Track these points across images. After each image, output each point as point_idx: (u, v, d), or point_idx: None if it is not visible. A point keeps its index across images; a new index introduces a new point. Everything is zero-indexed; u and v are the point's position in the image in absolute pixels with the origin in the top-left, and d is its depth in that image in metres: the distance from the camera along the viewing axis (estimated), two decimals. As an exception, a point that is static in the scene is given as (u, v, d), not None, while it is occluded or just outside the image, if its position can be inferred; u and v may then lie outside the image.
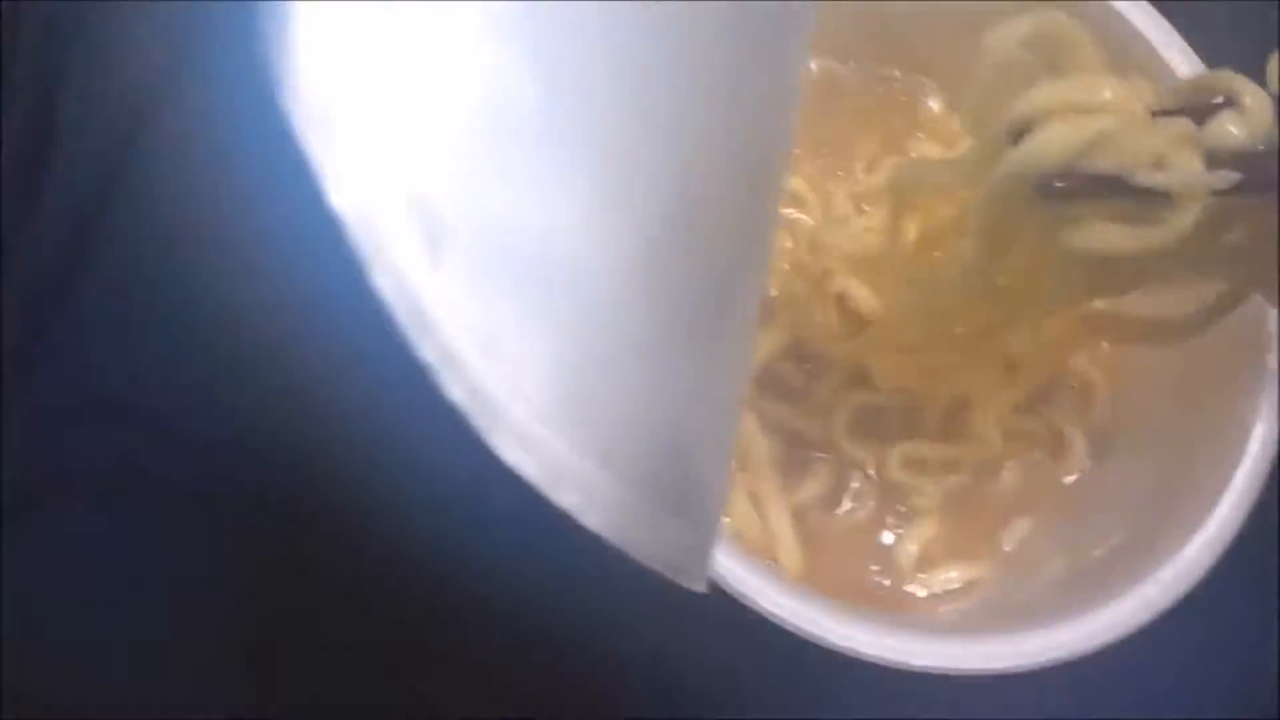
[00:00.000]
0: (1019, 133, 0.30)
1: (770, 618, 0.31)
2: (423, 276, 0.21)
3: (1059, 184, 0.30)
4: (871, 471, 0.39)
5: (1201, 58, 0.39)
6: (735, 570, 0.31)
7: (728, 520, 0.38)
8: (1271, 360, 0.35)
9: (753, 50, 0.28)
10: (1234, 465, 0.34)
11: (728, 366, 0.27)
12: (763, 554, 0.38)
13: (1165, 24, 0.40)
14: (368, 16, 0.21)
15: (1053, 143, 0.29)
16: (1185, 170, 0.28)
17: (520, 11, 0.23)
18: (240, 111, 0.22)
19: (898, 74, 0.45)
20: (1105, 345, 0.42)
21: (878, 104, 0.45)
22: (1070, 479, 0.40)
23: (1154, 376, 0.40)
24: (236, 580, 0.34)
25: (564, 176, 0.23)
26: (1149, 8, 0.40)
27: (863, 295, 0.38)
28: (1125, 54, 0.39)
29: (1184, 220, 0.28)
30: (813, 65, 0.44)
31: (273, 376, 0.29)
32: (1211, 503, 0.34)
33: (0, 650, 0.32)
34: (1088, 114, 0.29)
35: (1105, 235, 0.30)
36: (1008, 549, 0.40)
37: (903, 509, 0.40)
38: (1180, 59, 0.39)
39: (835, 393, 0.40)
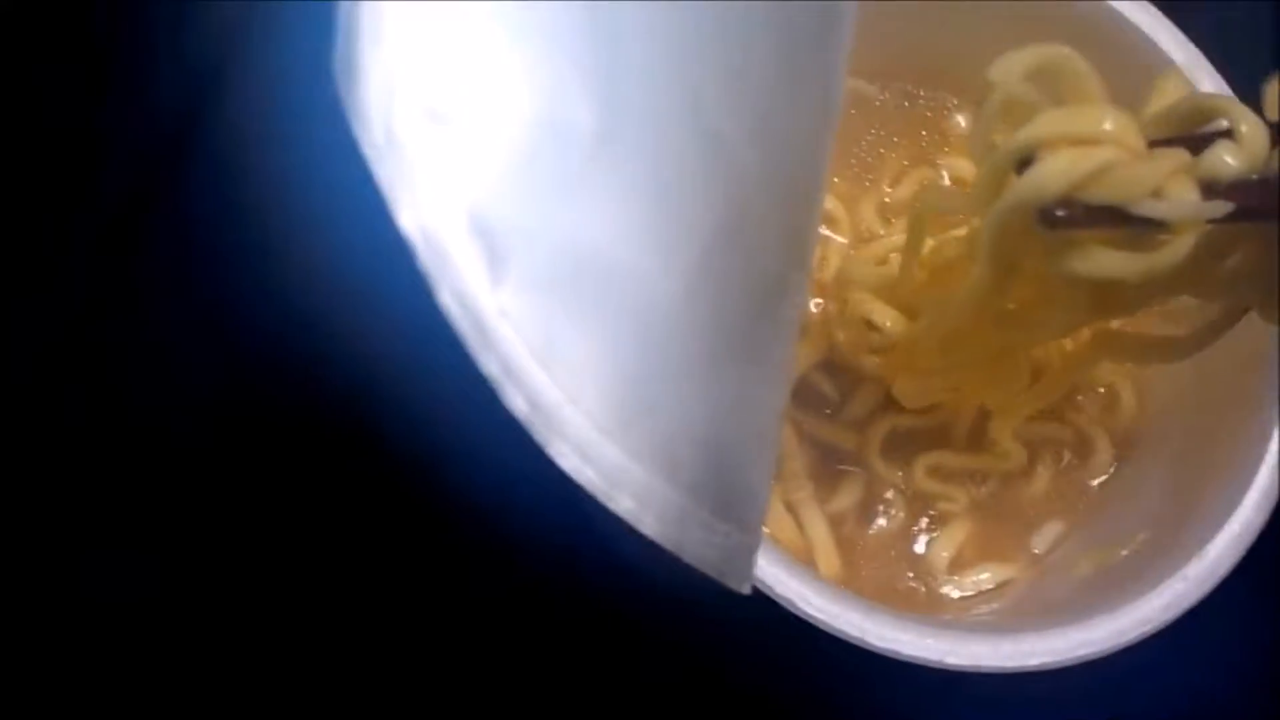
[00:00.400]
0: (1023, 162, 0.31)
1: (812, 621, 0.32)
2: (484, 293, 0.23)
3: (1060, 213, 0.30)
4: (902, 486, 0.40)
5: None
6: (777, 574, 0.32)
7: (766, 529, 0.39)
8: (1292, 359, 0.36)
9: (797, 64, 0.28)
10: (1257, 462, 0.35)
11: (773, 375, 0.28)
12: (801, 560, 0.39)
13: (1169, 25, 0.41)
14: (432, 41, 0.23)
15: (1054, 174, 0.30)
16: (1181, 200, 0.29)
17: (574, 31, 0.24)
18: (305, 118, 0.23)
19: (924, 92, 0.46)
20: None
21: (905, 121, 0.46)
22: (1097, 481, 0.41)
23: (1176, 378, 0.41)
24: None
25: (620, 192, 0.24)
26: (1153, 9, 0.41)
27: (886, 318, 0.39)
28: (1131, 57, 0.40)
29: (1181, 248, 0.30)
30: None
31: (340, 383, 0.30)
32: (1236, 500, 0.34)
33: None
34: (1088, 145, 0.30)
35: (1105, 261, 0.31)
36: (1038, 551, 0.41)
37: (934, 515, 0.41)
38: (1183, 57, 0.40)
39: (868, 414, 0.41)
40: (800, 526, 0.39)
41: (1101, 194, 0.30)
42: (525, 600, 0.35)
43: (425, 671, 0.36)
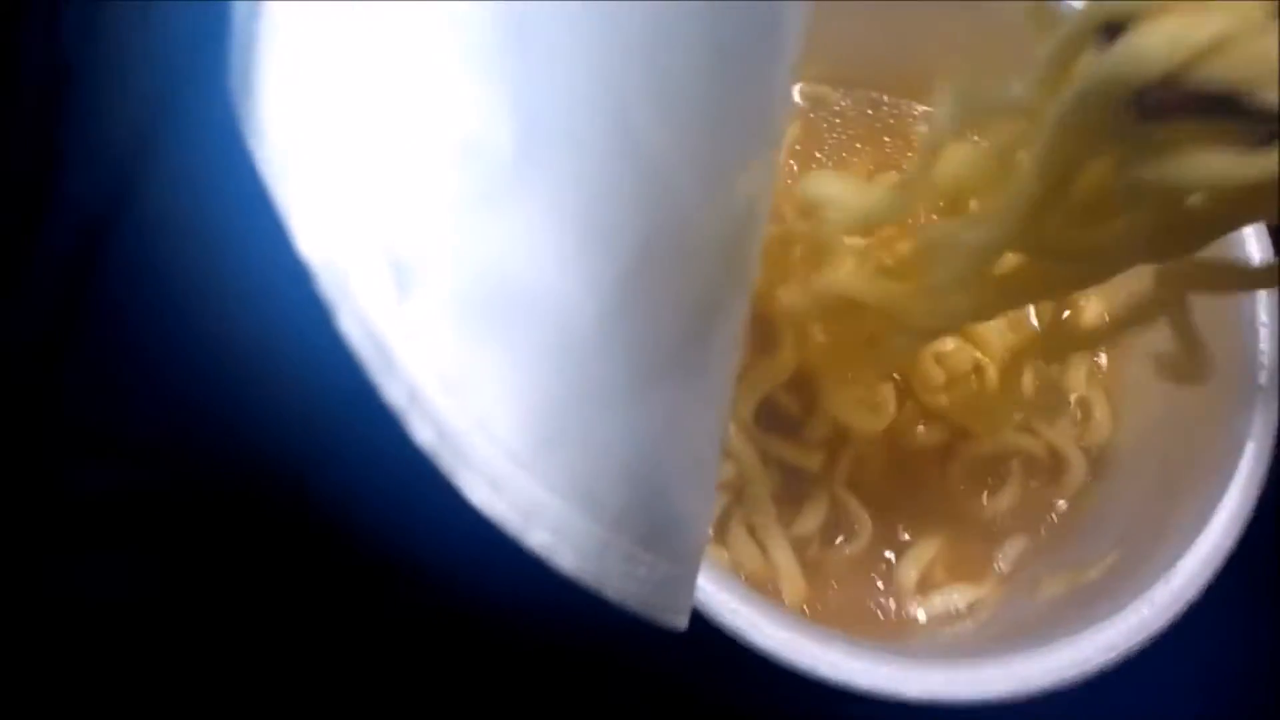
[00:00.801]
0: (1109, 31, 0.25)
1: (762, 652, 0.31)
2: (388, 317, 0.21)
3: (1158, 99, 0.24)
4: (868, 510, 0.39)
5: None
6: (729, 602, 0.31)
7: (728, 553, 0.38)
8: (1262, 379, 0.35)
9: (734, 80, 0.27)
10: (1226, 483, 0.34)
11: (708, 399, 0.27)
12: (765, 585, 0.38)
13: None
14: (336, 55, 0.21)
15: (1157, 45, 0.24)
16: None
17: (495, 47, 0.23)
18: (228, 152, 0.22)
19: (887, 99, 0.45)
20: (1102, 362, 0.41)
21: (869, 128, 0.45)
22: (1067, 499, 0.40)
23: (1150, 396, 0.40)
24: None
25: (539, 213, 0.23)
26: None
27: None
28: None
29: None
30: (803, 90, 0.45)
31: (258, 411, 0.30)
32: (1204, 522, 0.33)
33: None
34: (1199, 12, 0.24)
35: (1214, 165, 0.25)
36: (1004, 569, 0.40)
37: (902, 537, 0.40)
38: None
39: (833, 433, 0.40)
40: (764, 551, 0.38)
41: (1217, 74, 0.24)
42: (456, 637, 0.34)
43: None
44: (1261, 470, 0.34)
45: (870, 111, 0.45)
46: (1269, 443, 0.34)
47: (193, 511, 0.34)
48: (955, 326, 0.37)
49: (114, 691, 0.34)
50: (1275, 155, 0.24)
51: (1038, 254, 0.30)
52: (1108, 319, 0.41)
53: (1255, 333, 0.35)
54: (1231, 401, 0.35)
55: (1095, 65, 0.25)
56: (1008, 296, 0.33)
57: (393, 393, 0.22)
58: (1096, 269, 0.31)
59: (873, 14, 0.42)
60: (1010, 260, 0.31)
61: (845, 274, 0.35)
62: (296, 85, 0.21)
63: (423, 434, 0.22)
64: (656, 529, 0.25)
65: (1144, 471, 0.39)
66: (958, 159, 0.32)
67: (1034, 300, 0.34)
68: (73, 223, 0.34)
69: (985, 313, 0.34)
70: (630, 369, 0.25)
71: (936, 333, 0.37)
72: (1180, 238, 0.28)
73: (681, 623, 0.26)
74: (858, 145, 0.44)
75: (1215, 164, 0.25)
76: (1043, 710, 0.33)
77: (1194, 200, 0.27)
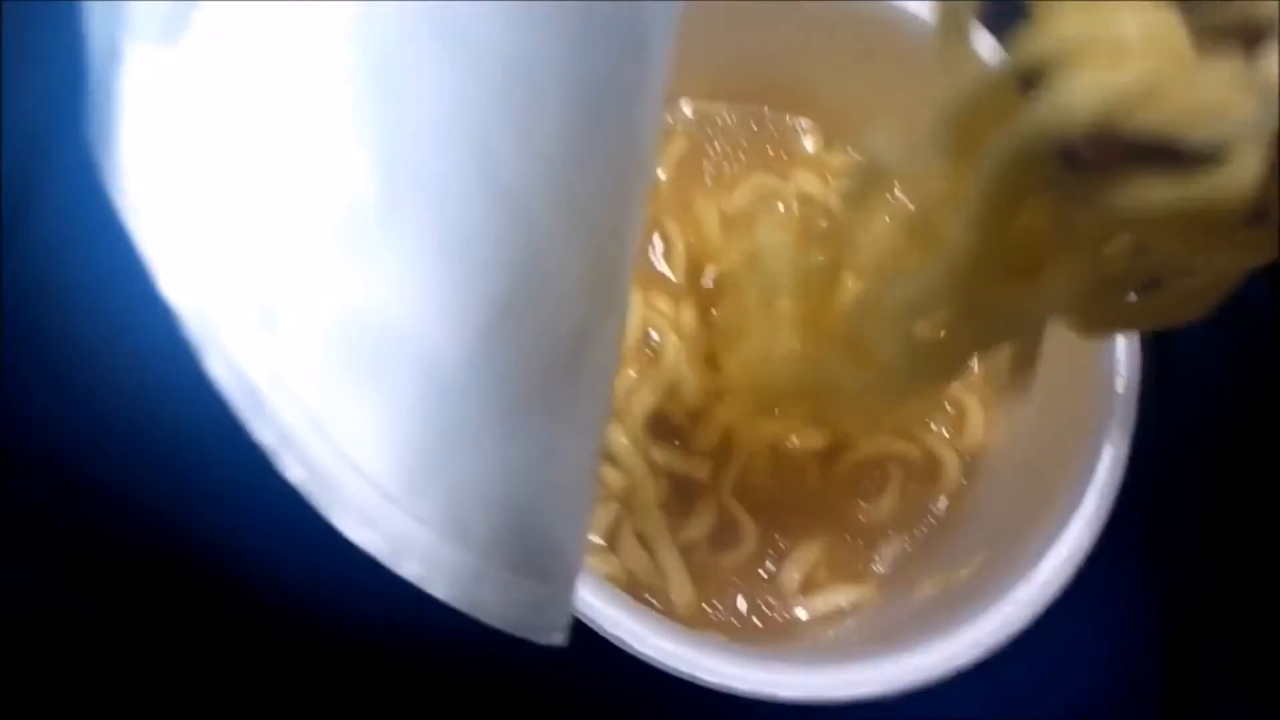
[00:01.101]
0: (1026, 83, 0.24)
1: (644, 659, 0.32)
2: (256, 362, 0.22)
3: (1086, 154, 0.23)
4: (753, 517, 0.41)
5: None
6: (607, 612, 0.32)
7: (618, 560, 0.39)
8: (1119, 385, 0.37)
9: (597, 108, 0.28)
10: (1085, 486, 0.35)
11: (580, 427, 0.28)
12: (654, 592, 0.39)
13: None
14: (193, 100, 0.22)
15: (1081, 99, 0.23)
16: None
17: (356, 93, 0.23)
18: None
19: (770, 113, 0.46)
20: (976, 368, 0.43)
21: (752, 141, 0.46)
22: (942, 502, 0.42)
23: (1022, 401, 0.41)
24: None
25: (404, 255, 0.24)
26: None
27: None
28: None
29: (1249, 164, 0.22)
30: (686, 106, 0.46)
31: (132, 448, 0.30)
32: (1065, 523, 0.35)
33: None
34: (1117, 53, 0.23)
35: (1155, 192, 0.23)
36: (883, 570, 0.41)
37: (784, 541, 0.41)
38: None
39: (718, 443, 0.41)
40: (653, 557, 0.39)
41: (1148, 123, 0.23)
42: (339, 665, 0.35)
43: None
44: (1118, 474, 0.35)
45: (754, 125, 0.46)
46: (1124, 448, 0.36)
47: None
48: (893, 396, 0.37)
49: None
50: (1213, 174, 0.22)
51: (968, 313, 0.30)
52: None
53: (1113, 341, 0.37)
54: (1092, 407, 0.37)
55: (1016, 125, 0.24)
56: (940, 358, 0.32)
57: (263, 434, 0.22)
58: (1025, 326, 0.31)
59: (751, 29, 0.43)
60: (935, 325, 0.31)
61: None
62: (154, 135, 0.21)
63: (294, 473, 0.23)
64: (529, 554, 0.26)
65: (1013, 474, 0.41)
66: (879, 227, 0.33)
67: (962, 360, 0.33)
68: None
69: (921, 378, 0.34)
70: (499, 404, 0.25)
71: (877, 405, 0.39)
72: (1114, 292, 0.28)
73: (559, 640, 0.27)
74: (741, 158, 0.45)
75: (1154, 191, 0.23)
76: (918, 707, 0.34)
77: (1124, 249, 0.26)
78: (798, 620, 0.40)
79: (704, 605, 0.40)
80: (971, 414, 0.42)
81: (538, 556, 0.26)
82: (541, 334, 0.27)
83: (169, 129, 0.21)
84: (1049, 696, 0.39)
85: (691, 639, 0.33)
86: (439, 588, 0.24)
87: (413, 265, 0.24)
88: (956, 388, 0.42)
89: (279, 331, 0.22)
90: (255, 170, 0.22)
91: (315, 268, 0.23)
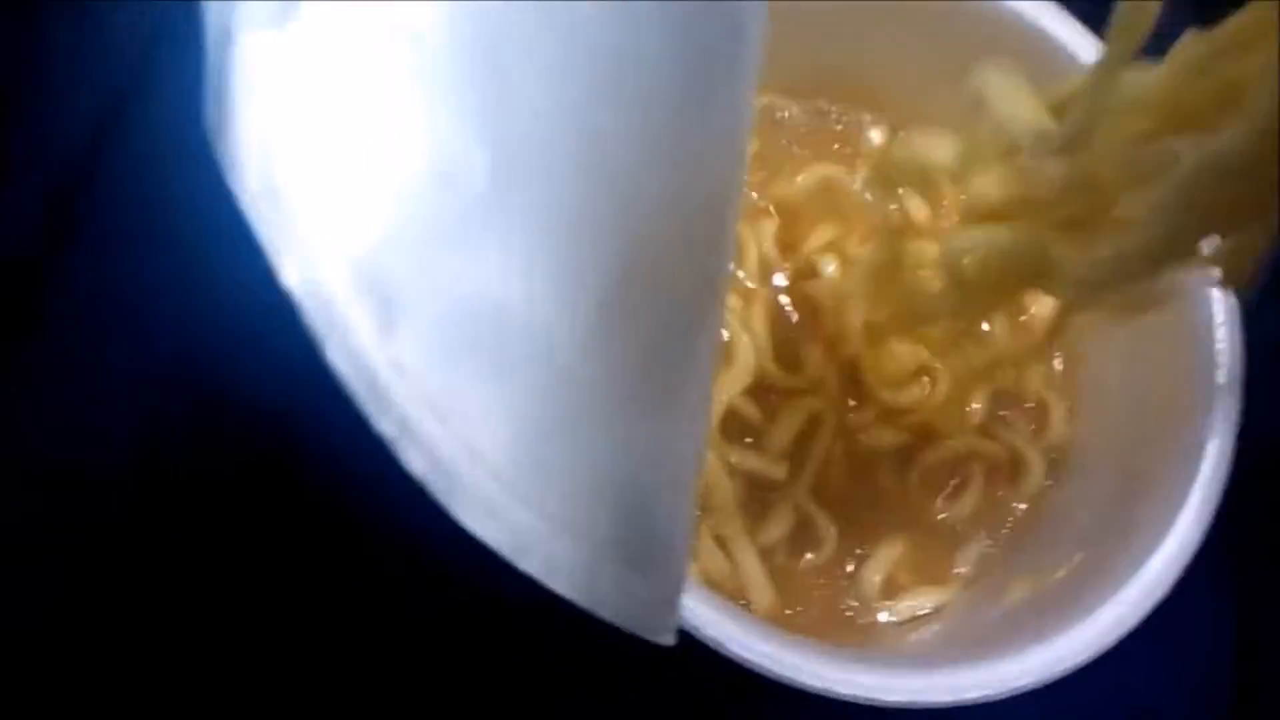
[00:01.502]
0: None
1: (742, 662, 0.31)
2: (375, 349, 0.21)
3: None
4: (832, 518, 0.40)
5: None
6: (706, 615, 0.31)
7: (696, 564, 0.38)
8: (1221, 377, 0.35)
9: (703, 91, 0.28)
10: (1190, 481, 0.34)
11: (687, 419, 0.28)
12: (733, 595, 0.38)
13: (1079, 27, 0.41)
14: (311, 85, 0.21)
15: None
16: None
17: (465, 74, 0.23)
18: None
19: (835, 109, 0.45)
20: (1058, 365, 0.42)
21: (817, 136, 0.45)
22: (1026, 501, 0.41)
23: (1107, 397, 0.40)
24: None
25: (516, 238, 0.23)
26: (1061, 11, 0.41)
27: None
28: (1044, 61, 0.39)
29: None
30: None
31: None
32: (1170, 520, 0.34)
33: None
34: None
35: None
36: (966, 572, 0.40)
37: (863, 544, 0.40)
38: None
39: (794, 440, 0.40)
40: (732, 561, 0.38)
41: None
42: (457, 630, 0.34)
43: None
44: (1224, 467, 0.34)
45: (819, 120, 0.45)
46: (1230, 441, 0.35)
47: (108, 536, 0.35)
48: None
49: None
50: None
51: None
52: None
53: (1211, 333, 0.36)
54: (1191, 401, 0.36)
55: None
56: None
57: (383, 423, 0.22)
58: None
59: (823, 24, 0.42)
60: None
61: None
62: (273, 117, 0.21)
63: (415, 462, 0.22)
64: (643, 549, 0.25)
65: (1103, 472, 0.39)
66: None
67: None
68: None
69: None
70: (613, 391, 0.25)
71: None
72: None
73: (669, 639, 0.26)
74: (806, 152, 0.44)
75: None
76: (1010, 711, 0.33)
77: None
78: (878, 624, 0.39)
79: (784, 610, 0.39)
80: (1054, 412, 0.41)
81: (650, 552, 0.26)
82: (652, 317, 0.26)
83: (284, 115, 0.21)
84: (1155, 699, 0.37)
85: (790, 642, 0.32)
86: (559, 583, 0.23)
87: (523, 249, 0.23)
88: (1038, 385, 0.41)
89: (398, 320, 0.22)
90: (369, 156, 0.22)
91: (430, 254, 0.22)
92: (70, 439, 0.36)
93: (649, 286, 0.26)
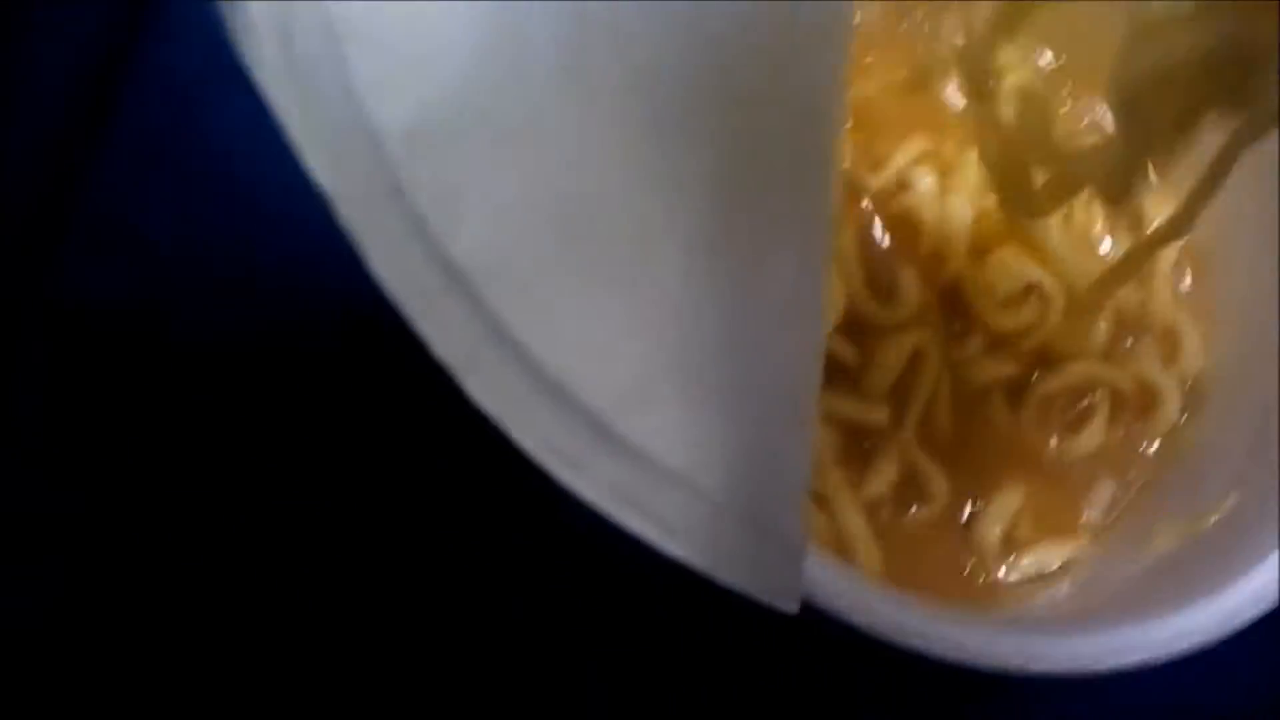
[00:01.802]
0: None
1: (868, 632, 0.27)
2: (422, 262, 0.18)
3: None
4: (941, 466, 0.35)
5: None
6: (825, 582, 0.27)
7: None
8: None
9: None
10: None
11: (802, 371, 0.23)
12: (837, 556, 0.34)
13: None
14: None
15: None
16: None
17: None
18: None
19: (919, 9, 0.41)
20: (1187, 284, 0.38)
21: (897, 35, 0.41)
22: (1160, 439, 0.37)
23: (1247, 317, 0.36)
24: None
25: (596, 123, 0.20)
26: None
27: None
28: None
29: None
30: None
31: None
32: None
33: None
34: None
35: None
36: (1093, 521, 0.36)
37: (977, 494, 0.36)
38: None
39: (897, 379, 0.36)
40: (834, 519, 0.34)
41: None
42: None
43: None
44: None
45: (903, 21, 0.40)
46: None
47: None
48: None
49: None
50: None
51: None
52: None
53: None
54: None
55: None
56: None
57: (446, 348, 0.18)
58: None
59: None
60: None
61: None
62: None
63: (481, 395, 0.18)
64: (763, 505, 0.22)
65: (1250, 402, 0.35)
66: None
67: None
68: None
69: None
70: (725, 310, 0.21)
71: None
72: None
73: (792, 607, 0.22)
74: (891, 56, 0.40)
75: None
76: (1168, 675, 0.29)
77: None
78: (1000, 583, 0.35)
79: (893, 571, 0.34)
80: (1187, 337, 0.37)
81: (770, 508, 0.22)
82: (757, 223, 0.22)
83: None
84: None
85: (916, 609, 0.28)
86: (678, 546, 0.19)
87: (607, 136, 0.20)
88: (1168, 308, 0.37)
89: (460, 222, 0.18)
90: (413, 19, 0.18)
91: (488, 139, 0.18)
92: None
93: (754, 183, 0.22)
